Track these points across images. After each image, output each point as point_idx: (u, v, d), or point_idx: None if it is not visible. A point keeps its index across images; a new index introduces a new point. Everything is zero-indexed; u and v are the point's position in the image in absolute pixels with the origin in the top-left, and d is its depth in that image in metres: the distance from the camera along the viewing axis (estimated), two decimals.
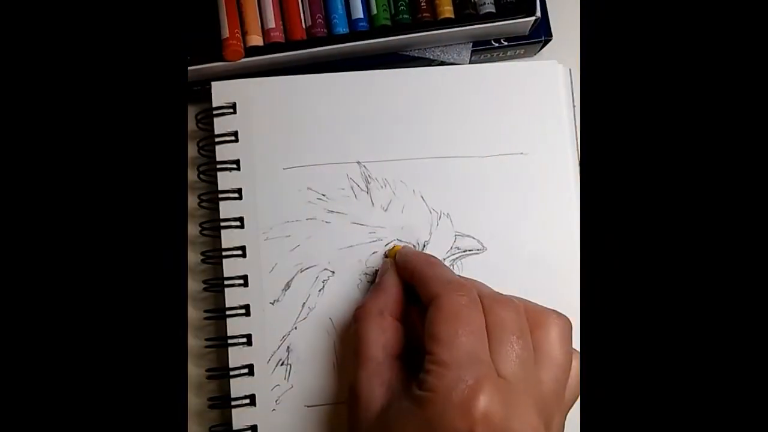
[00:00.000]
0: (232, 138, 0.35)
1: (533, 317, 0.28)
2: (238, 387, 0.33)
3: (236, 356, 0.34)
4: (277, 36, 0.35)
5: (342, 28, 0.36)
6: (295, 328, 0.34)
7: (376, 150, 0.36)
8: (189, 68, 0.35)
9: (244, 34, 0.35)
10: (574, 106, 0.37)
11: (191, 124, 0.37)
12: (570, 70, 0.37)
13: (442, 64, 0.38)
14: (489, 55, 0.39)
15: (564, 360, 0.28)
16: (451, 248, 0.35)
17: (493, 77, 0.37)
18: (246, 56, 0.35)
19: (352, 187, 0.35)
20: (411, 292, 0.31)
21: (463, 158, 0.36)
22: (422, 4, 0.36)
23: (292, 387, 0.33)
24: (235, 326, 0.34)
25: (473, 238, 0.35)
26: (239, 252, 0.34)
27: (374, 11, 0.36)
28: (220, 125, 0.35)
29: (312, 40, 0.36)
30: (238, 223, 0.35)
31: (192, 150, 0.36)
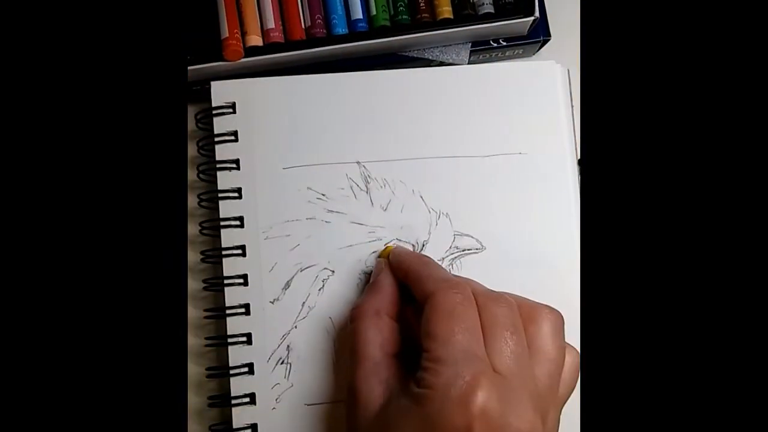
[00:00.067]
0: (232, 138, 0.35)
1: (526, 313, 0.29)
2: (238, 386, 0.33)
3: (236, 355, 0.34)
4: (277, 36, 0.36)
5: (341, 29, 0.36)
6: (295, 327, 0.34)
7: (375, 150, 0.36)
8: (189, 68, 0.35)
9: (244, 34, 0.35)
10: (572, 106, 0.37)
11: (191, 124, 0.37)
12: (568, 70, 0.38)
13: (441, 64, 0.38)
14: (488, 56, 0.39)
15: (557, 354, 0.28)
16: (450, 248, 0.35)
17: (492, 77, 0.37)
18: (245, 56, 0.35)
19: (351, 187, 0.35)
20: (405, 292, 0.31)
21: (461, 158, 0.36)
22: (421, 4, 0.36)
23: (292, 386, 0.34)
24: (235, 325, 0.34)
25: (472, 237, 0.35)
26: (239, 251, 0.34)
27: (373, 12, 0.36)
28: (220, 125, 0.35)
29: (311, 41, 0.36)
30: (237, 223, 0.35)
31: (192, 150, 0.37)
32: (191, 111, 0.37)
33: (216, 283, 0.35)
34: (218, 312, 0.34)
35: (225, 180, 0.35)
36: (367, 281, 0.34)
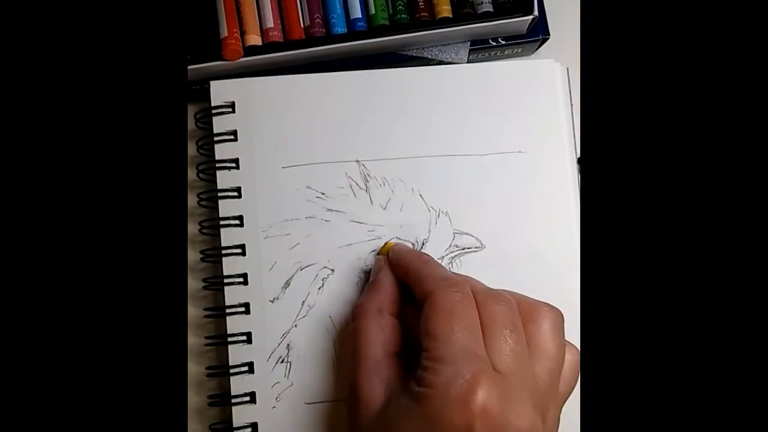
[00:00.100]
0: (231, 137, 0.35)
1: (525, 311, 0.29)
2: (238, 384, 0.33)
3: (236, 354, 0.34)
4: (276, 36, 0.36)
5: (340, 28, 0.36)
6: (295, 325, 0.34)
7: (375, 149, 0.36)
8: (188, 68, 0.35)
9: (243, 33, 0.35)
10: (571, 105, 0.37)
11: (190, 124, 0.37)
12: (567, 68, 0.38)
13: (440, 63, 0.38)
14: (487, 54, 0.39)
15: (557, 352, 0.28)
16: (450, 246, 0.35)
17: (491, 76, 0.37)
18: (245, 56, 0.35)
19: (351, 186, 0.35)
20: (405, 290, 0.31)
21: (461, 157, 0.36)
22: (420, 3, 0.36)
23: (292, 384, 0.34)
24: (235, 324, 0.34)
25: (472, 236, 0.36)
26: (239, 250, 0.34)
27: (372, 11, 0.36)
28: (219, 124, 0.35)
29: (310, 40, 0.36)
30: (237, 222, 0.35)
31: (191, 149, 0.37)
32: (191, 110, 0.37)
33: (216, 283, 0.35)
34: (218, 311, 0.34)
35: (224, 179, 0.35)
36: (367, 280, 0.34)
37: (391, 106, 0.36)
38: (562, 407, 0.29)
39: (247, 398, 0.33)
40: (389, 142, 0.36)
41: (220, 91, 0.36)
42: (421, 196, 0.36)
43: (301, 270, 0.34)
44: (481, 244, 0.35)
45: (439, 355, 0.26)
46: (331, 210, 0.35)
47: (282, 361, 0.34)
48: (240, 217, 0.35)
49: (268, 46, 0.36)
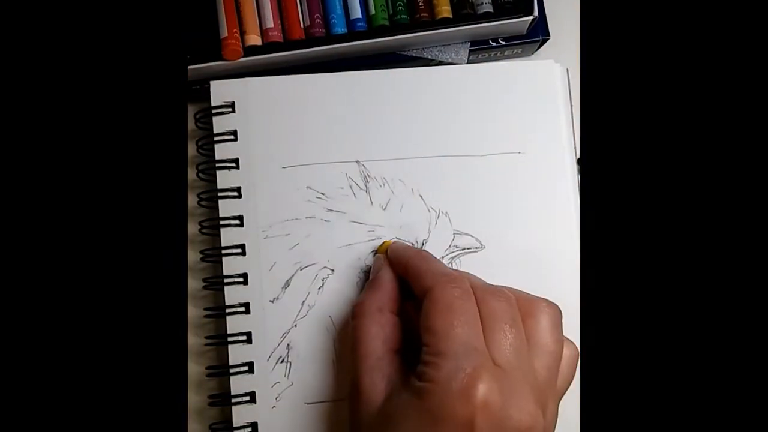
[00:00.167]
0: (231, 137, 0.35)
1: (524, 306, 0.29)
2: (238, 384, 0.33)
3: (236, 354, 0.34)
4: (276, 36, 0.36)
5: (340, 28, 0.36)
6: (295, 325, 0.34)
7: (374, 149, 0.36)
8: (188, 68, 0.35)
9: (243, 33, 0.35)
10: (571, 105, 0.37)
11: (190, 124, 0.37)
12: (567, 69, 0.38)
13: (440, 63, 0.38)
14: (487, 55, 0.39)
15: (555, 348, 0.28)
16: (450, 246, 0.35)
17: (491, 77, 0.37)
18: (245, 56, 0.35)
19: (351, 186, 0.35)
20: (405, 287, 0.31)
21: (461, 157, 0.36)
22: (420, 4, 0.36)
23: (292, 384, 0.34)
24: (235, 324, 0.34)
25: (471, 236, 0.36)
26: (239, 250, 0.34)
27: (372, 11, 0.36)
28: (219, 124, 0.35)
29: (310, 40, 0.36)
30: (237, 222, 0.35)
31: (191, 149, 0.37)
32: (191, 110, 0.37)
33: (216, 282, 0.35)
34: (218, 311, 0.34)
35: (224, 179, 0.35)
36: (367, 279, 0.34)
37: (391, 107, 0.36)
38: (559, 402, 0.29)
39: (247, 398, 0.33)
40: (389, 143, 0.36)
41: (220, 91, 0.36)
42: (420, 196, 0.36)
43: (301, 270, 0.35)
44: (481, 245, 0.36)
45: (440, 350, 0.26)
46: (331, 210, 0.35)
47: (282, 361, 0.34)
48: (240, 217, 0.35)
49: (268, 46, 0.36)
